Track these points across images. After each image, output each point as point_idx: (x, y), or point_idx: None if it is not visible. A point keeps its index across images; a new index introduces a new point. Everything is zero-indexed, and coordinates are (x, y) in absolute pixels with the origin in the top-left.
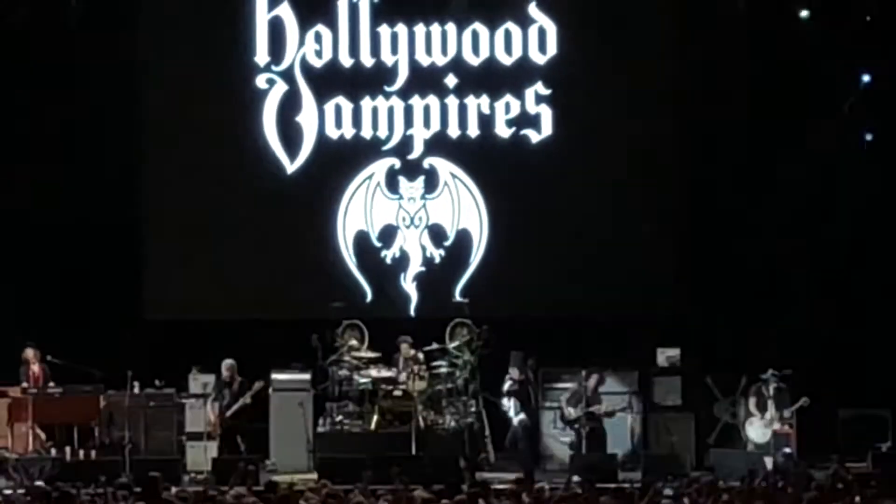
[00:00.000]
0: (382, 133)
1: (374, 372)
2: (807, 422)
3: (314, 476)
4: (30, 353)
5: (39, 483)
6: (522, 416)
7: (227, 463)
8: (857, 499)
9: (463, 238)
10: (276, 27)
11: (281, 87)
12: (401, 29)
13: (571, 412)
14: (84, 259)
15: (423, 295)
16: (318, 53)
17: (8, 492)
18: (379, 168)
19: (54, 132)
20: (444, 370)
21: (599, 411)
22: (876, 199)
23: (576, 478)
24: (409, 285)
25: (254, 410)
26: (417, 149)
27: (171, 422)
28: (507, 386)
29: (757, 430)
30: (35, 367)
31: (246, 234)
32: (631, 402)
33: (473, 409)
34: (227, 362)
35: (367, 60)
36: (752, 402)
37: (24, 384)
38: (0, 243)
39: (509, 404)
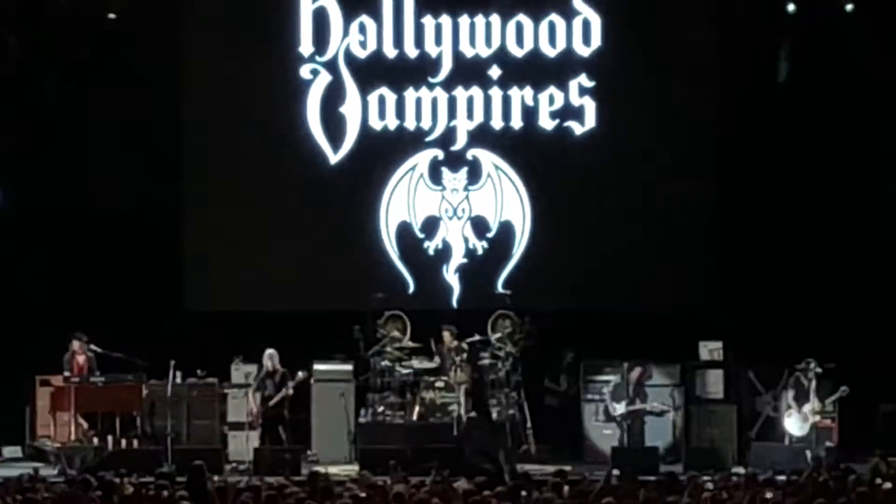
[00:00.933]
0: (426, 124)
1: (415, 363)
2: (848, 416)
3: (355, 467)
4: (76, 343)
5: (82, 472)
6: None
7: (268, 453)
8: (888, 485)
9: (506, 230)
10: (320, 17)
11: (325, 78)
12: (445, 20)
13: (616, 408)
14: (127, 250)
15: (465, 286)
16: (363, 44)
17: (51, 480)
18: (422, 159)
19: (98, 125)
20: (486, 362)
21: (652, 409)
22: None
23: (616, 471)
24: (451, 277)
25: (295, 401)
26: (461, 140)
27: (213, 412)
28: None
29: (796, 423)
30: (80, 358)
31: (288, 225)
32: (674, 396)
33: (515, 400)
34: (269, 352)
35: (412, 51)
36: (790, 394)
37: (68, 373)
38: (46, 237)
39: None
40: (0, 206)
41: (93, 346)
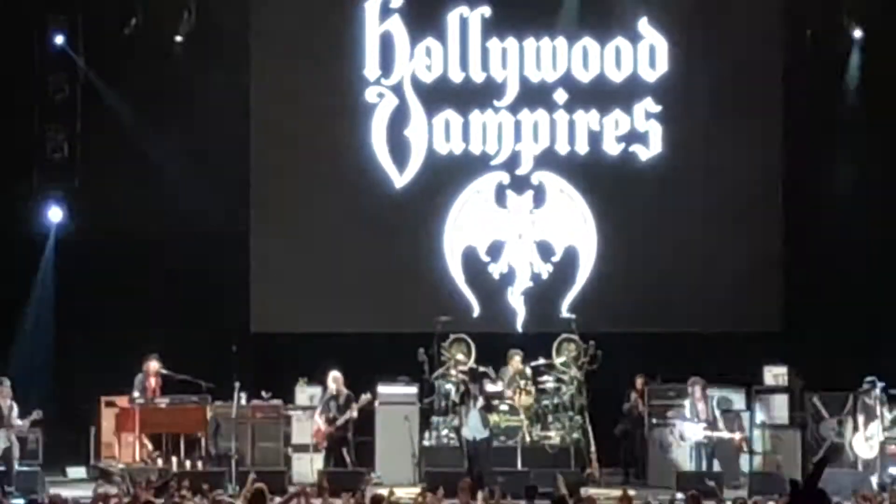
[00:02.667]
0: (491, 148)
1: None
2: None
3: (418, 490)
4: (153, 364)
5: (146, 493)
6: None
7: (332, 475)
8: None
9: (570, 253)
10: (386, 41)
11: (391, 101)
12: (511, 43)
13: (693, 431)
14: (194, 273)
15: (530, 310)
16: (429, 67)
17: (115, 501)
18: (487, 182)
19: (166, 149)
20: (550, 385)
21: (733, 440)
22: None
23: (679, 494)
24: (516, 300)
25: (360, 423)
26: (526, 164)
27: (277, 433)
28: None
29: (863, 444)
30: (153, 380)
31: (354, 248)
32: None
33: (579, 424)
34: (334, 374)
35: (477, 75)
36: (860, 418)
37: (137, 394)
38: (114, 260)
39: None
40: (62, 223)
41: (161, 369)
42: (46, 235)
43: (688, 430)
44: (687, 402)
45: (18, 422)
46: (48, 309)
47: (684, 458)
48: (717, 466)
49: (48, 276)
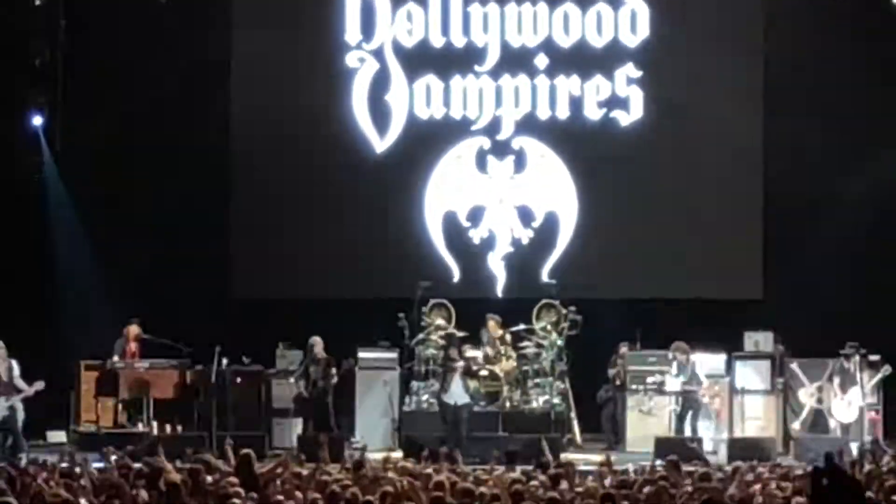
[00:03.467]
0: (472, 113)
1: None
2: (894, 407)
3: (399, 454)
4: (133, 329)
5: (125, 458)
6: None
7: (312, 439)
8: None
9: (551, 219)
10: (367, 6)
11: (371, 66)
12: (492, 8)
13: (668, 382)
14: (173, 238)
15: (510, 275)
16: (409, 32)
17: (97, 465)
18: (468, 147)
19: (144, 111)
20: (530, 351)
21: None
22: None
23: (659, 461)
24: (496, 266)
25: (340, 388)
26: (507, 129)
27: (257, 398)
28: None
29: (843, 409)
30: (133, 344)
31: (334, 213)
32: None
33: (560, 390)
34: (314, 339)
35: (458, 40)
36: (836, 381)
37: (116, 358)
38: (93, 224)
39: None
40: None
41: (142, 334)
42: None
43: (668, 383)
44: (675, 364)
45: (23, 384)
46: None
47: (663, 424)
48: (700, 432)
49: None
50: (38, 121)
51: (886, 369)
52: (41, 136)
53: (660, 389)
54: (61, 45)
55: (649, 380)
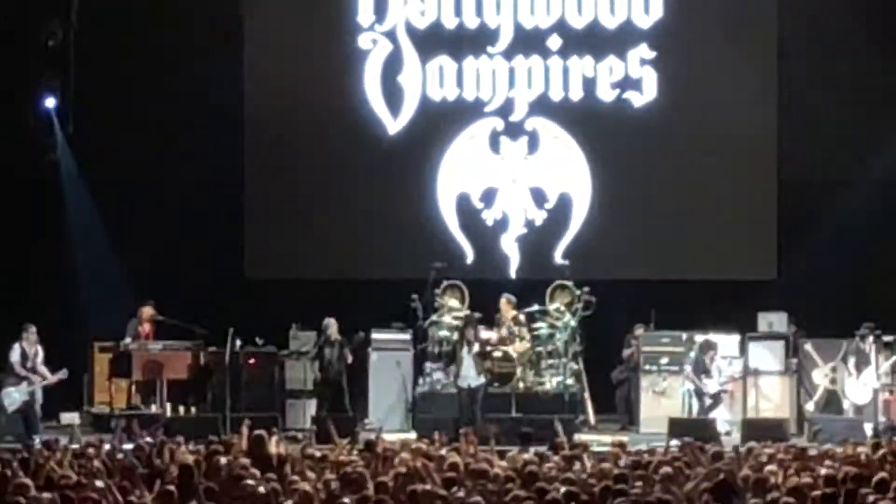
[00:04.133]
0: (485, 94)
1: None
2: None
3: (412, 435)
4: (147, 310)
5: (139, 439)
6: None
7: (326, 420)
8: None
9: (564, 200)
10: None
11: (384, 47)
12: None
13: (708, 385)
14: (187, 218)
15: (523, 256)
16: (422, 13)
17: (108, 447)
18: (481, 129)
19: (158, 96)
20: (544, 332)
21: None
22: None
23: (674, 441)
24: (510, 247)
25: (354, 369)
26: (520, 110)
27: (270, 379)
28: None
29: (857, 390)
30: (147, 325)
31: (348, 194)
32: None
33: (573, 371)
34: (328, 321)
35: (471, 21)
36: (851, 362)
37: (129, 340)
38: (108, 205)
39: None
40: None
41: (156, 315)
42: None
43: (709, 385)
44: (693, 354)
45: (46, 371)
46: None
47: (677, 405)
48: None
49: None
50: (50, 102)
51: None
52: (54, 118)
53: (699, 392)
54: (73, 25)
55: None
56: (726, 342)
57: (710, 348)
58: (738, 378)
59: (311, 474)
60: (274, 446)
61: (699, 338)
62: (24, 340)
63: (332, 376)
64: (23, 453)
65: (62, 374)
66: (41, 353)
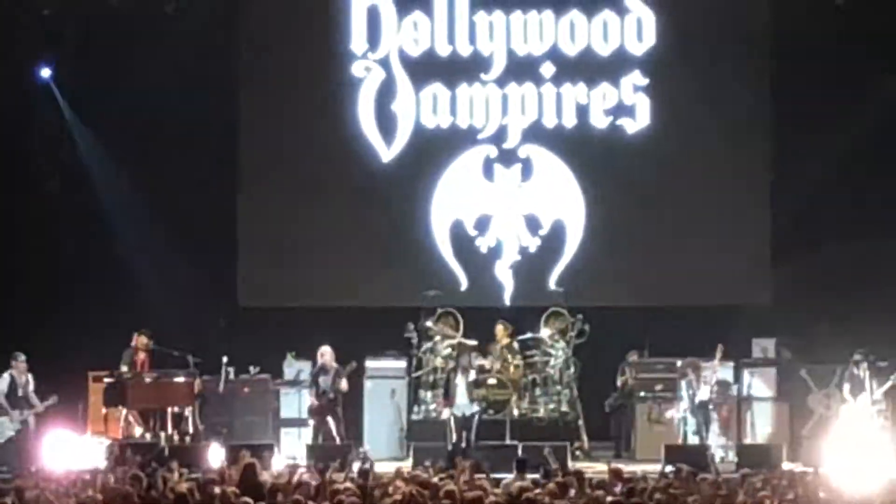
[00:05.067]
0: (479, 122)
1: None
2: None
3: (407, 463)
4: (142, 340)
5: (134, 468)
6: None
7: (320, 448)
8: None
9: (558, 227)
10: (373, 15)
11: (378, 75)
12: (497, 17)
13: (699, 392)
14: (181, 247)
15: (518, 284)
16: (416, 41)
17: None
18: (475, 156)
19: (153, 121)
20: (538, 359)
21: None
22: None
23: (669, 467)
24: (504, 274)
25: (348, 397)
26: (513, 137)
27: (265, 408)
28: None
29: (852, 416)
30: (142, 355)
31: (341, 222)
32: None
33: (568, 398)
34: (323, 348)
35: (464, 49)
36: (846, 388)
37: (124, 368)
38: (102, 233)
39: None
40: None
41: (151, 345)
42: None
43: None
44: (684, 384)
45: (35, 399)
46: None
47: (672, 432)
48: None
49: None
50: (46, 73)
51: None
52: (54, 89)
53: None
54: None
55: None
56: (721, 369)
57: (692, 367)
58: (722, 404)
59: (307, 502)
60: (266, 475)
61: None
62: (13, 369)
63: (327, 404)
64: (18, 482)
65: (52, 400)
66: (32, 383)
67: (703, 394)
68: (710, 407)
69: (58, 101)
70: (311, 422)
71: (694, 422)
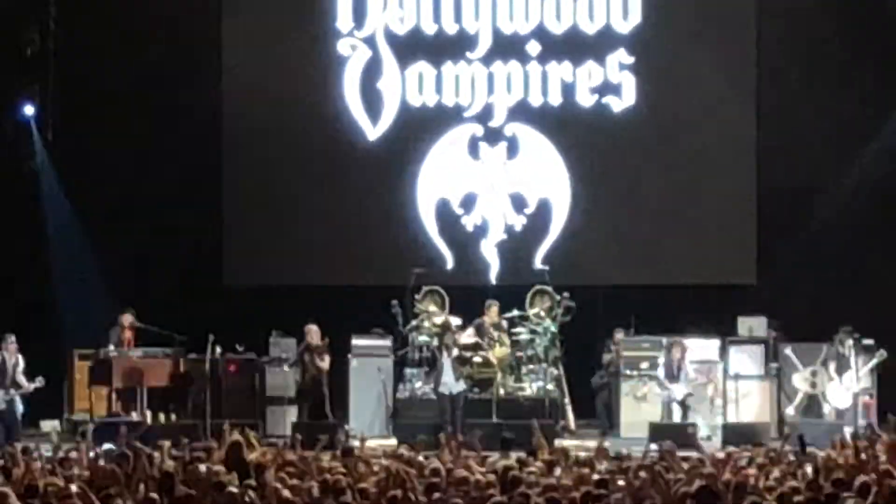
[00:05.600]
0: (464, 100)
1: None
2: (889, 391)
3: (393, 441)
4: (127, 317)
5: (119, 446)
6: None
7: (306, 427)
8: None
9: (544, 205)
10: None
11: (363, 53)
12: None
13: (675, 391)
14: (166, 225)
15: (503, 262)
16: (401, 19)
17: (90, 454)
18: (461, 134)
19: (136, 100)
20: (524, 337)
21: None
22: None
23: (653, 446)
24: (490, 252)
25: (333, 375)
26: (499, 116)
27: (251, 386)
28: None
29: (838, 394)
30: (128, 333)
31: (327, 200)
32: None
33: (553, 376)
34: (309, 327)
35: (450, 27)
36: (832, 366)
37: (110, 347)
38: (86, 212)
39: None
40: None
41: (136, 322)
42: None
43: (671, 391)
44: (661, 359)
45: (24, 380)
46: None
47: (657, 410)
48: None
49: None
50: (29, 110)
51: (882, 354)
52: (33, 126)
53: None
54: (52, 33)
55: (660, 374)
56: (706, 347)
57: (677, 348)
58: (708, 382)
59: (293, 481)
60: (252, 453)
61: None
62: (4, 350)
63: (313, 383)
64: (3, 461)
65: (38, 382)
66: (21, 363)
67: (679, 391)
68: (697, 386)
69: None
70: (297, 400)
71: (680, 401)
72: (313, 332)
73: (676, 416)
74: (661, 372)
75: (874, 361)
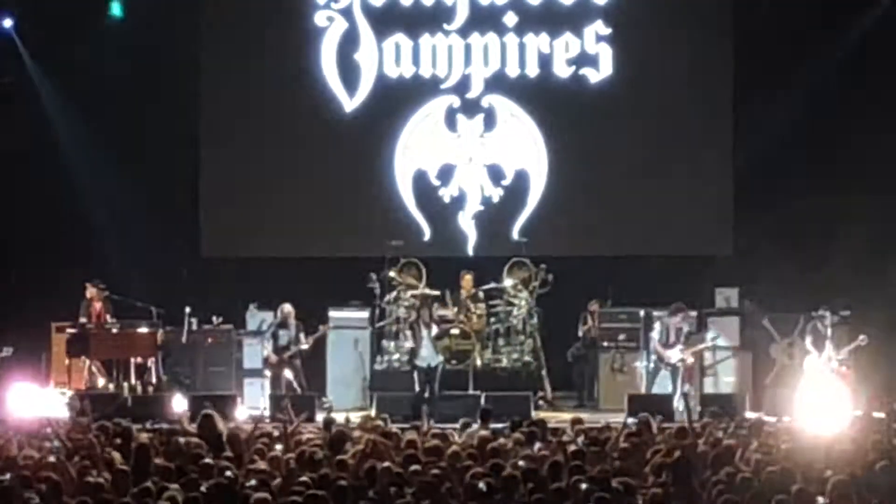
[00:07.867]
0: (441, 71)
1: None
2: (865, 364)
3: (371, 413)
4: (92, 290)
5: (97, 419)
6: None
7: (283, 399)
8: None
9: (521, 177)
10: None
11: (340, 25)
12: None
13: (670, 355)
14: (143, 197)
15: (481, 234)
16: None
17: (66, 427)
18: (437, 106)
19: (114, 71)
20: (501, 309)
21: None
22: None
23: (632, 418)
24: (467, 224)
25: (312, 349)
26: (476, 87)
27: (228, 358)
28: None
29: (816, 367)
30: (97, 305)
31: (304, 172)
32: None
33: (531, 348)
34: (285, 307)
35: None
36: (808, 340)
37: (84, 320)
38: (59, 183)
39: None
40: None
41: (107, 294)
42: None
43: (665, 355)
44: (659, 326)
45: None
46: None
47: (635, 382)
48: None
49: None
50: (7, 23)
51: (863, 339)
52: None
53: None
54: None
55: (652, 336)
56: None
57: (679, 312)
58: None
59: (269, 453)
60: (224, 425)
61: (657, 313)
62: None
63: (285, 358)
64: None
65: (6, 352)
66: None
67: (675, 354)
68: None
69: (19, 52)
70: (268, 373)
71: (673, 364)
72: (287, 313)
73: (660, 387)
74: (655, 335)
75: (852, 346)
